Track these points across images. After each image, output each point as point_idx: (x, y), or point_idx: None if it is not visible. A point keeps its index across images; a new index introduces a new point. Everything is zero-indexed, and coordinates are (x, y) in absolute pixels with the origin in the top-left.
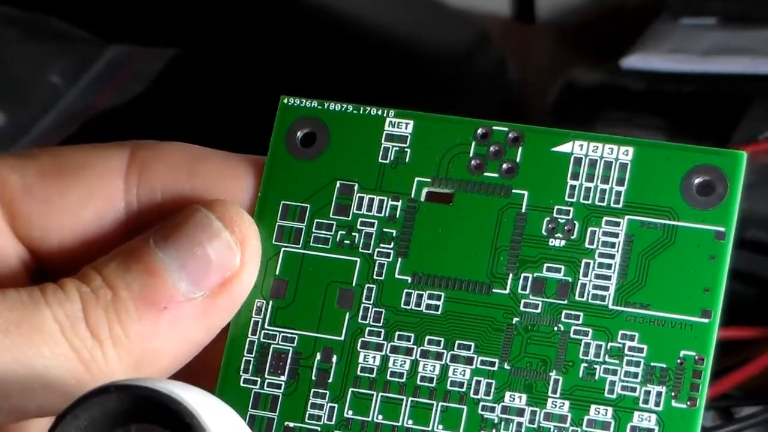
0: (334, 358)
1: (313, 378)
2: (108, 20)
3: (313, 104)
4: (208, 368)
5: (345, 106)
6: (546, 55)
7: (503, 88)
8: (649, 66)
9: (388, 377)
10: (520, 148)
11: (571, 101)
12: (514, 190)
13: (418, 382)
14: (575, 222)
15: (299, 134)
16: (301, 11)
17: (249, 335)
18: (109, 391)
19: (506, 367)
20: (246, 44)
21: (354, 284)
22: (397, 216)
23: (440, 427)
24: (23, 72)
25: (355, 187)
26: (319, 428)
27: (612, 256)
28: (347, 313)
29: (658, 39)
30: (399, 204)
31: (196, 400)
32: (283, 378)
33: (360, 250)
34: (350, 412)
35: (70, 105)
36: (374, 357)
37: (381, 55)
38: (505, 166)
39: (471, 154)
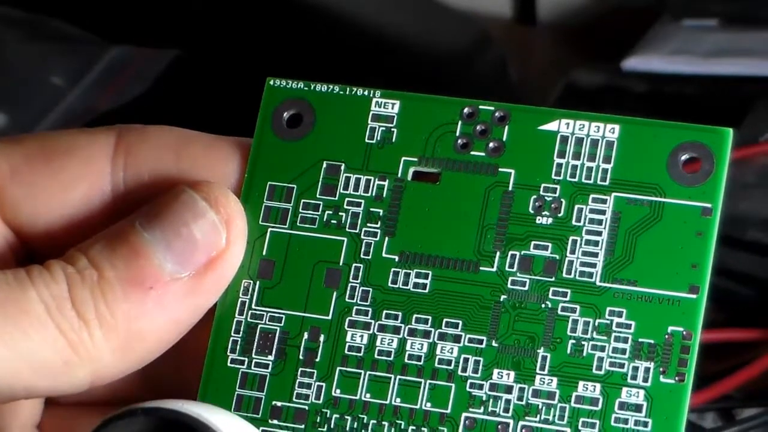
0: (322, 338)
1: (301, 357)
2: (110, 21)
3: (299, 85)
4: (195, 349)
5: (331, 86)
6: (547, 56)
7: (504, 88)
8: (650, 67)
9: (376, 356)
10: (506, 127)
11: (572, 103)
12: (500, 169)
13: (406, 361)
14: (562, 200)
15: (285, 115)
16: (300, 12)
17: (236, 315)
18: (136, 414)
19: (494, 344)
20: (247, 45)
21: (341, 264)
22: (384, 195)
23: (428, 404)
24: (25, 73)
25: (342, 167)
26: (306, 407)
27: (599, 233)
28: (334, 293)
29: (660, 40)
30: (386, 184)
31: (224, 423)
32: (271, 358)
33: (347, 229)
34: (338, 391)
35: (72, 106)
36: (362, 336)
37: (381, 55)
38: (491, 144)
39: (457, 134)
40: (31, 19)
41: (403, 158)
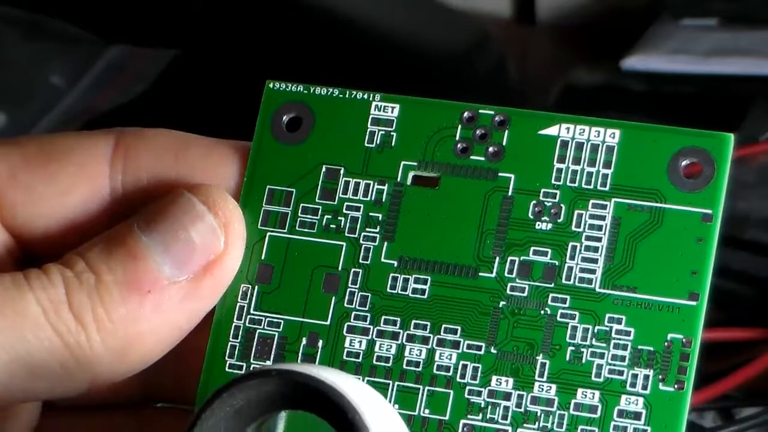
0: (320, 343)
1: (299, 363)
2: (109, 21)
3: (298, 88)
4: (193, 353)
5: (330, 90)
6: (546, 56)
7: (503, 88)
8: (649, 67)
9: (374, 362)
10: (506, 131)
11: (572, 102)
12: (500, 174)
13: (405, 367)
14: (562, 205)
15: (285, 118)
16: (300, 12)
17: (234, 320)
18: (270, 375)
19: (493, 351)
20: (246, 46)
21: (340, 268)
22: (383, 200)
23: (427, 411)
24: (24, 72)
25: (341, 171)
26: None
27: (599, 239)
28: (333, 298)
29: (659, 40)
30: (385, 188)
31: (358, 392)
32: (269, 363)
33: (346, 234)
34: None
35: (71, 105)
36: (360, 341)
37: (381, 55)
38: (491, 149)
39: (457, 138)
40: (30, 18)
41: (403, 162)
